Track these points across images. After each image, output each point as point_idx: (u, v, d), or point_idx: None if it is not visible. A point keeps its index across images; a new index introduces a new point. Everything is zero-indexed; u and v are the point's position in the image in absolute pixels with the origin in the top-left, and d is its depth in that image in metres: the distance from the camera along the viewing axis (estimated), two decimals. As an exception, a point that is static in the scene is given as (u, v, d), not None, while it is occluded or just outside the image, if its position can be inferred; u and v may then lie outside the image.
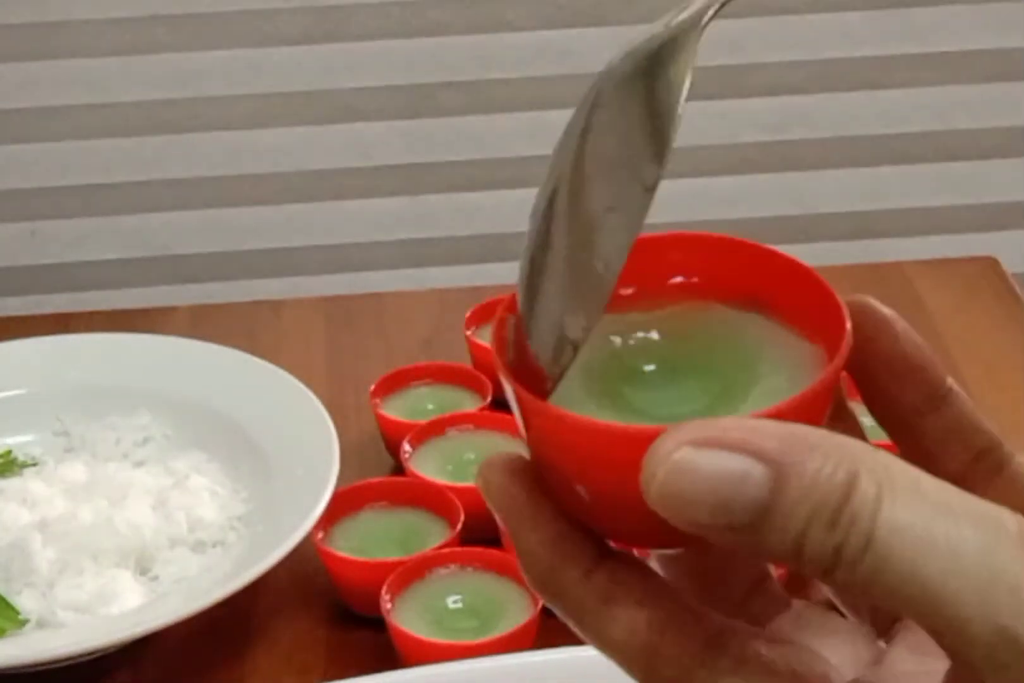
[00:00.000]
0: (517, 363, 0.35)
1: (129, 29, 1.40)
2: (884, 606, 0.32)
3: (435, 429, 0.89)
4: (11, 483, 0.88)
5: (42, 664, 0.78)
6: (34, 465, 0.91)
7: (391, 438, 0.92)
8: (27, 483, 0.88)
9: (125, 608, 0.80)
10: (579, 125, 0.35)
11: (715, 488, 0.31)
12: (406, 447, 0.88)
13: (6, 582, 0.81)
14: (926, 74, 1.47)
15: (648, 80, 0.34)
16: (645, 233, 0.34)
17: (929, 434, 0.38)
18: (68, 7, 1.39)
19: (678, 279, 0.38)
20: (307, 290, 1.47)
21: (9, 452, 0.92)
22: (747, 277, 0.38)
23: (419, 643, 0.75)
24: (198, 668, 0.81)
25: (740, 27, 1.43)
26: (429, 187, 1.48)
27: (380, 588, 0.77)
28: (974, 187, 1.52)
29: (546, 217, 0.35)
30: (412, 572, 0.79)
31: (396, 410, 0.93)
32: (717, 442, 0.32)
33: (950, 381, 0.38)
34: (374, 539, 0.83)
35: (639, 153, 0.34)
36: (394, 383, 0.95)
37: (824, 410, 0.35)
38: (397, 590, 0.78)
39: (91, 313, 1.12)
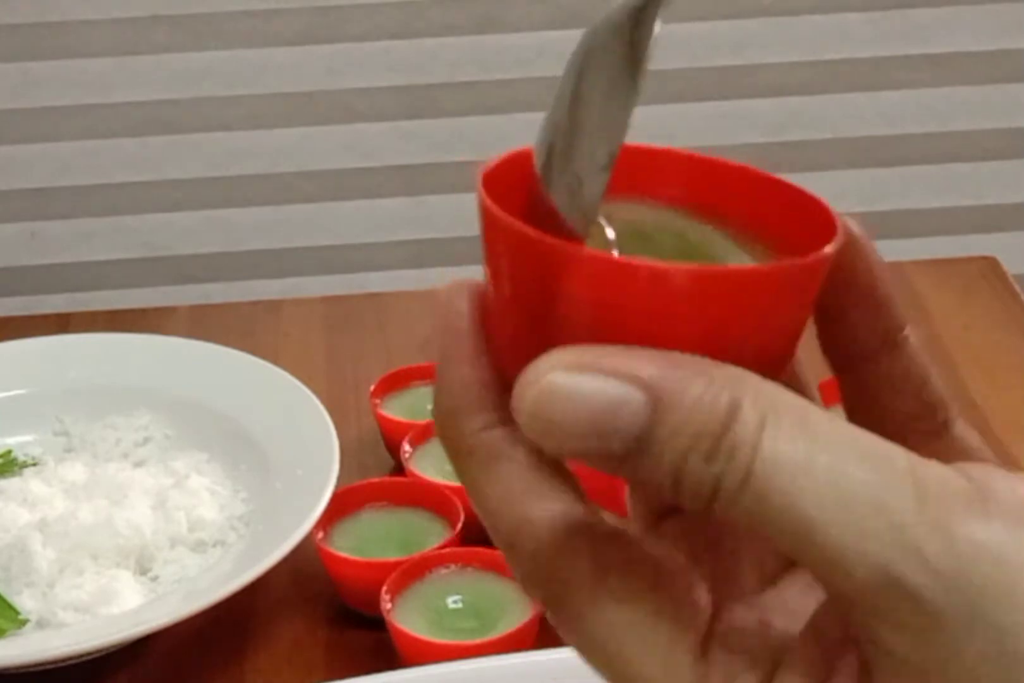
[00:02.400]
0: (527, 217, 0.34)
1: (129, 29, 1.40)
2: (768, 541, 0.31)
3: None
4: (11, 483, 0.88)
5: (42, 664, 0.78)
6: (34, 465, 0.91)
7: (391, 438, 0.92)
8: (27, 483, 0.88)
9: (125, 608, 0.80)
10: (578, 60, 0.34)
11: (589, 414, 0.30)
12: (406, 447, 0.88)
13: (6, 582, 0.81)
14: (926, 75, 1.47)
15: (630, 26, 0.33)
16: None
17: (877, 379, 0.37)
18: (68, 7, 1.39)
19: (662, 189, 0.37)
20: (307, 290, 1.47)
21: (9, 452, 0.92)
22: (724, 196, 0.37)
23: (419, 643, 0.75)
24: (198, 668, 0.81)
25: (740, 28, 1.43)
26: (429, 187, 1.48)
27: (380, 588, 0.77)
28: (974, 188, 1.52)
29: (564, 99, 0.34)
30: (412, 572, 0.79)
31: (396, 410, 0.93)
32: (593, 366, 0.30)
33: (909, 330, 0.37)
34: (374, 539, 0.83)
35: (624, 66, 0.33)
36: (394, 383, 0.95)
37: (811, 294, 0.34)
38: (397, 590, 0.78)
39: (91, 313, 1.12)
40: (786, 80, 1.47)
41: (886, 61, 1.47)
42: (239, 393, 0.93)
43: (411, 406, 0.93)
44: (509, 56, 1.44)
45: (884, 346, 0.37)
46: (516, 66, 1.44)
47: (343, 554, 0.81)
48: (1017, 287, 1.09)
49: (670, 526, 0.38)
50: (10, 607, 0.80)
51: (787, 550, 0.30)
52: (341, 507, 0.84)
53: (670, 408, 0.30)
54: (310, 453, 0.87)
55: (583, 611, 0.33)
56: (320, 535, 0.82)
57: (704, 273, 0.32)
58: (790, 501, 0.29)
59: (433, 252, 1.49)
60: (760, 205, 0.37)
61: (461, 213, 1.48)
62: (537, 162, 0.35)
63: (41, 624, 0.80)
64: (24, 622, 0.79)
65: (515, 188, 0.35)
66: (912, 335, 0.37)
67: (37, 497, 0.86)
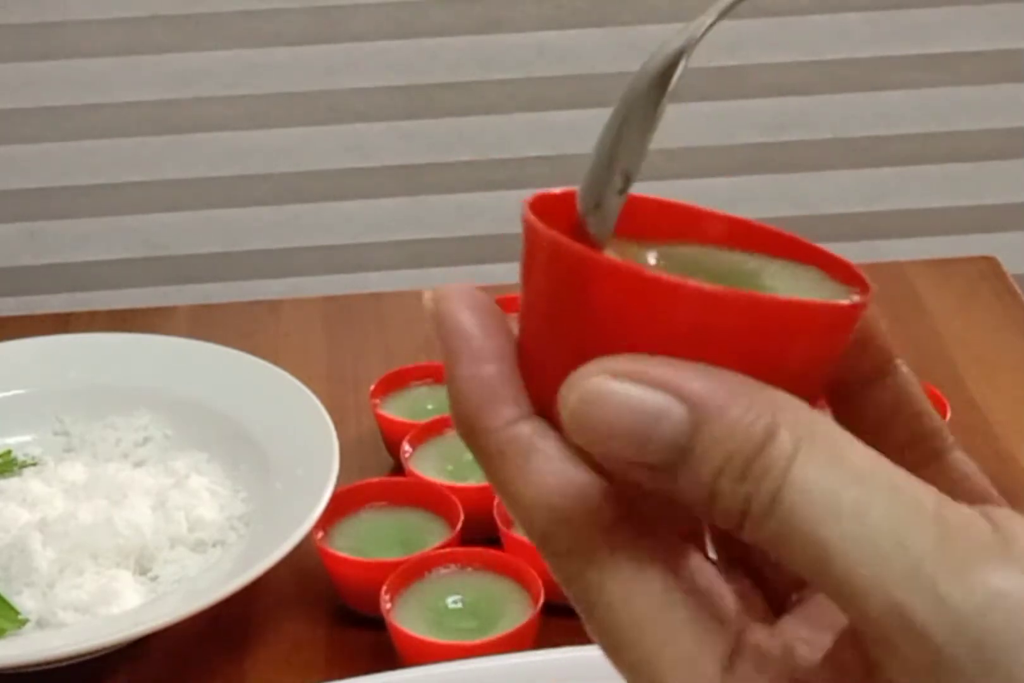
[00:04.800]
0: None
1: (129, 29, 1.40)
2: (789, 567, 0.31)
3: (435, 429, 0.89)
4: (11, 483, 0.88)
5: (42, 664, 0.78)
6: (34, 465, 0.91)
7: (391, 438, 0.92)
8: (27, 483, 0.88)
9: (125, 608, 0.80)
10: (622, 109, 0.35)
11: (629, 421, 0.30)
12: (406, 447, 0.88)
13: (6, 582, 0.81)
14: (926, 75, 1.47)
15: (658, 87, 0.35)
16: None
17: (869, 408, 0.37)
18: (68, 7, 1.39)
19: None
20: (307, 290, 1.47)
21: (9, 452, 0.92)
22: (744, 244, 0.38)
23: (419, 643, 0.75)
24: (198, 668, 0.81)
25: (740, 28, 1.43)
26: (429, 187, 1.48)
27: (380, 588, 0.77)
28: (974, 188, 1.52)
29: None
30: (412, 572, 0.79)
31: (396, 410, 0.93)
32: (637, 375, 0.31)
33: (900, 361, 0.37)
34: (374, 539, 0.83)
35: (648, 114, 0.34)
36: (394, 383, 0.95)
37: (847, 337, 0.34)
38: (397, 590, 0.78)
39: (91, 313, 1.12)
40: (786, 80, 1.47)
41: (886, 61, 1.47)
42: (239, 393, 0.93)
43: (411, 406, 0.94)
44: (509, 56, 1.44)
45: (875, 377, 0.37)
46: (516, 66, 1.44)
47: (343, 554, 0.81)
48: (1017, 287, 1.09)
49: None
50: (10, 607, 0.80)
51: (806, 576, 0.30)
52: (341, 507, 0.84)
53: (709, 425, 0.30)
54: (310, 453, 0.87)
55: (616, 606, 0.33)
56: (320, 535, 0.82)
57: (754, 300, 0.32)
58: (814, 530, 0.30)
59: (433, 252, 1.49)
60: (793, 257, 0.38)
61: (461, 213, 1.49)
62: (580, 203, 0.35)
63: (41, 624, 0.80)
64: (24, 622, 0.79)
65: (554, 223, 0.35)
66: (903, 365, 0.37)
67: (37, 497, 0.86)
